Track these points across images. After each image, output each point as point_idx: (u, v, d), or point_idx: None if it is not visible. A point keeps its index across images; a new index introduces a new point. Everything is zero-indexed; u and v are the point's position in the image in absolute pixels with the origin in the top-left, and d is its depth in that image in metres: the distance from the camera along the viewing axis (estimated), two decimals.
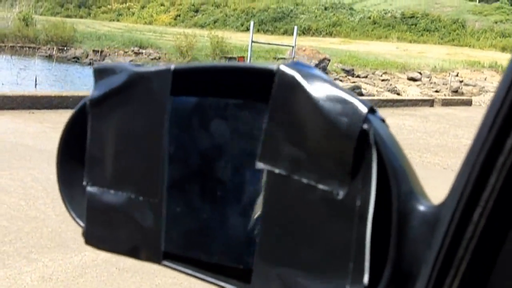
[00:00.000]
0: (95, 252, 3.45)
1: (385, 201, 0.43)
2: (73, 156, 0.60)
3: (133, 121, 0.54)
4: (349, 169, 0.43)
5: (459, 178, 0.38)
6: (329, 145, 0.43)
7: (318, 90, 0.44)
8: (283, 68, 0.45)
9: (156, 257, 0.55)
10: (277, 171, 0.46)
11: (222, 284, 0.51)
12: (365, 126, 0.42)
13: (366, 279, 0.43)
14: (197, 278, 0.53)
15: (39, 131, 6.53)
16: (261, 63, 0.49)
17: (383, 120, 0.45)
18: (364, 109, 0.42)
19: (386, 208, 0.43)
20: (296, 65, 0.46)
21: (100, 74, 0.56)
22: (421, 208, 0.42)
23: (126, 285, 3.15)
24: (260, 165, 0.47)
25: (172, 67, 0.52)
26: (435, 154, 7.97)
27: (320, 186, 0.44)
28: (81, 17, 53.69)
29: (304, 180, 0.45)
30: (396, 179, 0.42)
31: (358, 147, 0.42)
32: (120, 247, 0.57)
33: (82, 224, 0.59)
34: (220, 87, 0.52)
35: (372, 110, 0.43)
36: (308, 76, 0.45)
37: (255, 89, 0.49)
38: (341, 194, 0.44)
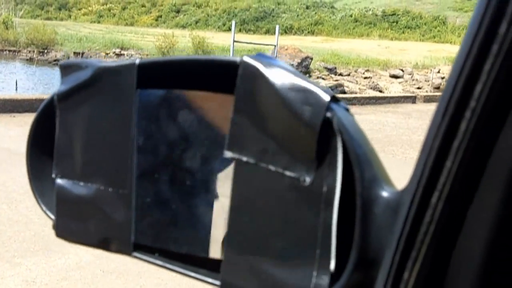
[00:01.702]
0: (78, 255, 3.43)
1: (351, 187, 0.44)
2: (43, 149, 0.60)
3: (101, 114, 0.55)
4: (314, 156, 0.44)
5: (418, 164, 0.39)
6: (294, 134, 0.44)
7: (281, 80, 0.45)
8: (247, 59, 0.46)
9: (126, 248, 0.55)
10: (244, 159, 0.47)
11: (192, 274, 0.52)
12: (328, 114, 0.43)
13: (332, 265, 0.44)
14: (167, 269, 0.54)
15: (20, 134, 6.46)
16: (225, 56, 0.50)
17: (347, 109, 0.45)
18: (326, 98, 0.43)
19: (352, 194, 0.44)
20: (259, 57, 0.47)
21: (66, 70, 0.57)
22: (385, 194, 0.43)
23: (110, 287, 3.14)
24: (228, 153, 0.47)
25: (137, 61, 0.53)
26: (418, 150, 8.01)
27: (287, 173, 0.45)
28: (62, 19, 53.25)
29: (272, 168, 0.46)
30: (359, 165, 0.43)
31: (322, 135, 0.43)
32: (90, 239, 0.57)
33: (52, 217, 0.60)
34: (186, 80, 0.53)
35: (335, 99, 0.44)
36: (271, 67, 0.45)
37: (221, 80, 0.49)
38: (307, 180, 0.44)
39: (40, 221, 3.92)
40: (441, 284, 0.39)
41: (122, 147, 0.54)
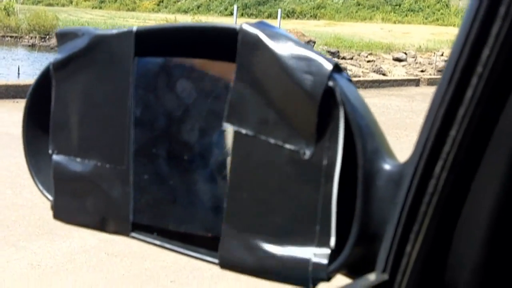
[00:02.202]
0: (83, 238, 3.44)
1: (352, 161, 0.43)
2: (39, 124, 0.59)
3: (98, 84, 0.53)
4: (315, 127, 0.43)
5: (422, 133, 0.38)
6: (295, 104, 0.43)
7: (282, 48, 0.44)
8: (246, 27, 0.45)
9: (124, 228, 0.54)
10: (244, 131, 0.46)
11: (191, 253, 0.51)
12: (330, 83, 0.42)
13: (332, 242, 0.43)
14: (166, 248, 0.52)
15: None
16: (225, 23, 0.49)
17: (349, 80, 0.44)
18: (329, 67, 0.42)
19: (353, 168, 0.43)
20: (259, 24, 0.46)
21: (63, 38, 0.55)
22: (387, 167, 0.42)
23: (115, 270, 3.15)
24: (227, 125, 0.46)
25: (135, 28, 0.52)
26: None
27: (287, 146, 0.44)
28: (63, 5, 52.94)
29: (271, 140, 0.45)
30: (362, 137, 0.42)
31: (323, 105, 0.42)
32: (88, 220, 0.56)
33: (49, 197, 0.59)
34: (185, 47, 0.51)
35: (337, 68, 0.43)
36: (272, 35, 0.44)
37: (220, 48, 0.48)
38: (307, 153, 0.43)
39: (44, 205, 3.92)
40: (444, 256, 0.39)
41: (119, 120, 0.53)
